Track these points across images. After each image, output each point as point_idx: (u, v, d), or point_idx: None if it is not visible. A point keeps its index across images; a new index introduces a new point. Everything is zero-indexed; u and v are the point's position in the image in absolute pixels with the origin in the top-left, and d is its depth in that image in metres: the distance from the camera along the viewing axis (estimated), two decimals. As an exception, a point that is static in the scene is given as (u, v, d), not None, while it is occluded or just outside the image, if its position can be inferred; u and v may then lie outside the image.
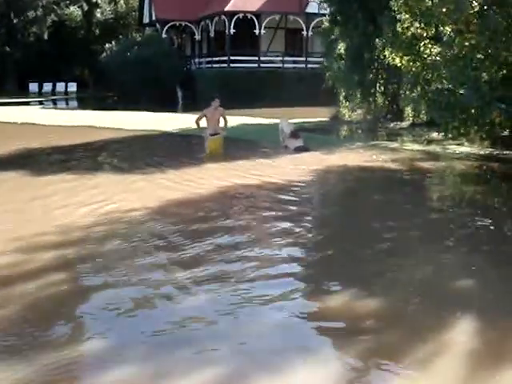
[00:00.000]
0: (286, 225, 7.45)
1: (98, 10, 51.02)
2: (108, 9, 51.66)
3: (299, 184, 10.08)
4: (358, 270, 5.87)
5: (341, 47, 21.34)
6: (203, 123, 12.96)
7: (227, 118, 13.29)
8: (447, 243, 6.85)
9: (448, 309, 4.86)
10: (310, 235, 7.19)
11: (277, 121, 15.50)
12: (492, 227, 7.53)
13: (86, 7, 49.88)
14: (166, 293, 5.20)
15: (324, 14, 23.18)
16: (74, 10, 49.32)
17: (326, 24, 22.19)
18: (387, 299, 5.10)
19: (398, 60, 11.97)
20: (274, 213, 8.12)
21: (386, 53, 12.49)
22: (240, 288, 5.28)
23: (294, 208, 8.45)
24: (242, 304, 4.96)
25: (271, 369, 3.91)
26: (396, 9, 12.50)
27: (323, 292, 5.35)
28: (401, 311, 4.90)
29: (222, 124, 13.16)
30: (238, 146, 14.03)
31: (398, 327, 4.62)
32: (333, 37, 21.50)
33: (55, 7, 47.56)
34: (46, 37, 46.80)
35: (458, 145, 14.13)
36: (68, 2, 49.30)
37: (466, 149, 13.70)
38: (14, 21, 45.96)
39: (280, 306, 4.92)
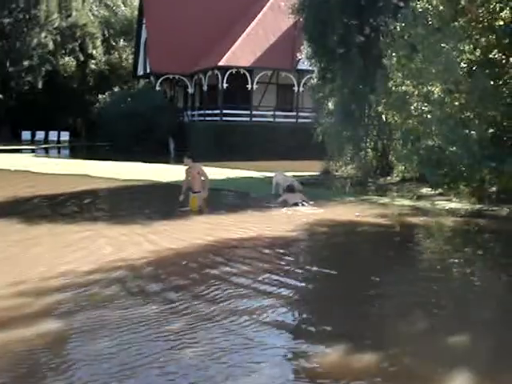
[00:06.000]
0: (273, 278, 7.45)
1: (93, 60, 51.83)
2: (102, 60, 52.44)
3: (287, 238, 10.04)
4: (349, 324, 5.90)
5: (331, 103, 21.66)
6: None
7: (209, 173, 12.75)
8: (434, 300, 6.80)
9: (444, 364, 4.89)
10: (296, 290, 7.12)
11: (268, 174, 15.57)
12: (479, 282, 7.62)
13: (81, 58, 50.67)
14: (156, 343, 5.23)
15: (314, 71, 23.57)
16: (69, 61, 50.08)
17: (315, 80, 22.52)
18: (381, 354, 5.12)
19: (390, 116, 12.29)
20: (260, 266, 8.10)
21: (379, 109, 12.80)
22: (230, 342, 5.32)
23: (280, 262, 8.40)
24: (233, 356, 5.02)
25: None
26: (388, 67, 12.83)
27: (315, 348, 5.31)
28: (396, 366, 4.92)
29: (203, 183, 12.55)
30: (228, 198, 14.07)
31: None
32: (321, 94, 21.76)
33: (51, 57, 48.21)
34: (40, 86, 47.23)
35: (447, 201, 14.31)
36: (63, 52, 50.12)
37: (454, 205, 13.86)
38: (10, 69, 46.46)
39: (273, 362, 4.97)
